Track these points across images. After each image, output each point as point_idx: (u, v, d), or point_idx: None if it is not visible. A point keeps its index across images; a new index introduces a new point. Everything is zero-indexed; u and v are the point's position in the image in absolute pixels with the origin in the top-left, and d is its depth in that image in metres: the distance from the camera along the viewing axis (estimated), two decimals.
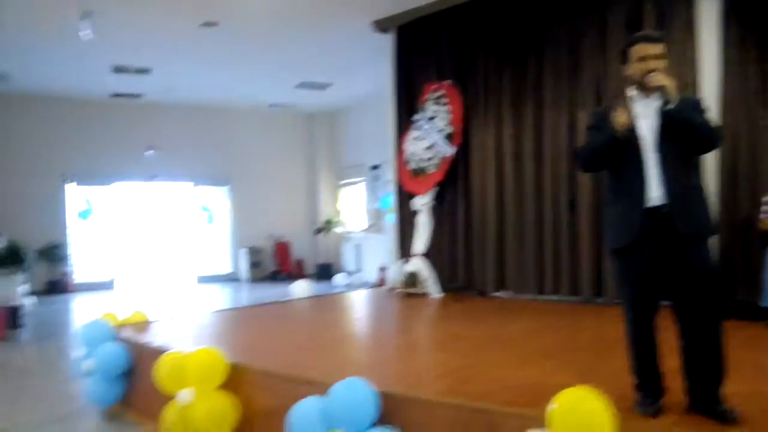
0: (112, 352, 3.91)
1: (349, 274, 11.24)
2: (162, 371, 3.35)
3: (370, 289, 7.50)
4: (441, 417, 2.64)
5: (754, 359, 3.37)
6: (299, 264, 12.39)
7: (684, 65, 5.31)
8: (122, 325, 4.42)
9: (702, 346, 2.39)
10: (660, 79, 2.39)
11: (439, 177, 6.26)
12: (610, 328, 2.67)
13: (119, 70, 8.93)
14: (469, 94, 6.37)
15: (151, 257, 11.65)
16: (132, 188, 11.45)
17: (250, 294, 9.99)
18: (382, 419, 2.70)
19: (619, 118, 2.42)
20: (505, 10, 6.12)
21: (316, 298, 6.66)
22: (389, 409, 2.71)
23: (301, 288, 6.79)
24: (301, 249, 12.53)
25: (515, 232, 6.04)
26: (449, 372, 3.28)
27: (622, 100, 2.53)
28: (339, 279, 10.81)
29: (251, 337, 4.50)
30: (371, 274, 10.73)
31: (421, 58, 6.79)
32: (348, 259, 12.15)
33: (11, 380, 4.83)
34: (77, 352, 4.11)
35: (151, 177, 11.29)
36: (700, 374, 2.41)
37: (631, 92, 2.53)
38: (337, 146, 12.71)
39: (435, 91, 6.42)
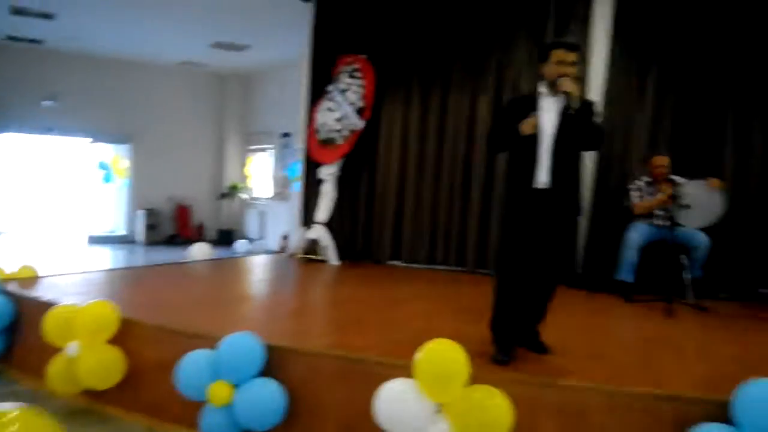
0: None
1: (251, 240, 11.19)
2: (50, 324, 3.32)
3: (270, 255, 7.58)
4: (322, 368, 2.85)
5: (594, 322, 3.90)
6: (199, 228, 12.15)
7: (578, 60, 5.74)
8: (8, 280, 4.28)
9: (546, 295, 3.07)
10: (568, 85, 2.81)
11: (346, 149, 6.41)
12: (486, 296, 3.06)
13: (18, 12, 8.28)
14: (382, 71, 6.53)
15: (41, 213, 11.02)
16: (25, 140, 10.71)
17: (144, 257, 9.71)
18: (269, 371, 2.85)
19: (526, 126, 2.86)
20: None
21: (214, 261, 6.67)
22: (275, 361, 2.88)
23: (199, 251, 6.77)
24: (202, 213, 12.28)
25: (413, 206, 6.39)
26: (336, 329, 3.51)
27: (527, 98, 3.03)
28: (240, 245, 10.72)
29: (143, 295, 4.47)
30: (274, 242, 10.75)
31: (340, 30, 6.85)
32: (251, 225, 12.08)
33: None
34: None
35: (47, 130, 10.63)
36: (536, 315, 3.10)
37: (542, 89, 2.96)
38: (248, 111, 12.47)
39: (349, 64, 6.54)
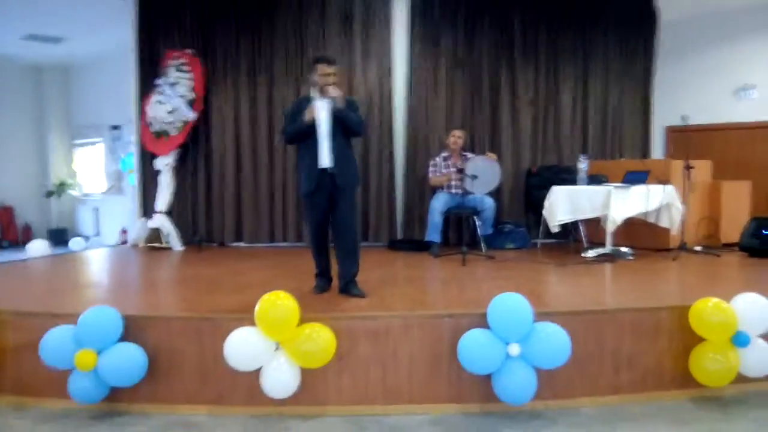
0: None
1: (87, 238, 10.85)
2: None
3: (112, 247, 7.63)
4: (176, 329, 3.32)
5: (405, 273, 4.82)
6: (27, 230, 11.49)
7: (383, 55, 6.67)
8: None
9: (347, 252, 3.92)
10: (332, 91, 3.71)
11: (181, 139, 6.69)
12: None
13: None
14: (210, 63, 6.91)
15: None
16: None
17: None
18: (128, 338, 3.27)
19: (309, 114, 3.73)
20: None
21: (54, 257, 6.63)
22: (133, 329, 3.29)
23: (37, 247, 6.68)
24: (29, 213, 11.56)
25: (250, 188, 6.88)
26: (185, 299, 4.01)
27: (306, 99, 3.87)
28: (75, 243, 10.34)
29: None
30: (111, 238, 10.51)
31: (164, 24, 7.05)
32: (85, 222, 11.67)
33: None
34: None
35: None
36: (344, 268, 3.93)
37: (314, 93, 3.83)
38: (71, 104, 11.85)
39: (177, 58, 6.77)
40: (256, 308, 3.11)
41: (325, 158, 3.78)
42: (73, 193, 11.79)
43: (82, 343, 3.17)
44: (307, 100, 3.86)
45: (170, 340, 3.34)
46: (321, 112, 3.77)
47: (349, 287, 3.92)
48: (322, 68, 3.76)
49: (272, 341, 3.13)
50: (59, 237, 11.25)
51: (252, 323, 3.15)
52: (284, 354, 3.14)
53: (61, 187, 11.61)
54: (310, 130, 3.76)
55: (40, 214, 11.73)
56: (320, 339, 3.12)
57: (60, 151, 11.96)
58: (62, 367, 3.19)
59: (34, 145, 11.84)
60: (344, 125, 3.81)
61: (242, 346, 3.11)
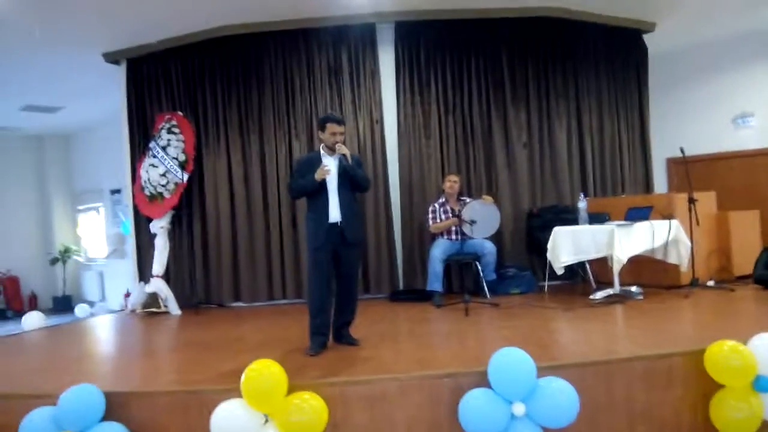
0: None
1: (92, 304, 10.75)
2: None
3: (110, 315, 7.50)
4: (162, 404, 3.16)
5: (405, 327, 4.63)
6: (32, 299, 11.43)
7: (374, 105, 6.66)
8: None
9: (347, 303, 4.08)
10: (342, 149, 3.92)
11: (174, 201, 6.63)
12: None
13: None
14: (200, 124, 6.92)
15: None
16: None
17: None
18: (112, 416, 3.09)
19: (320, 174, 3.87)
20: (229, 49, 6.84)
21: (50, 328, 6.51)
22: (117, 406, 3.12)
23: (32, 320, 6.56)
24: (34, 282, 11.54)
25: (247, 247, 6.77)
26: (174, 370, 3.85)
27: (316, 156, 4.05)
28: (80, 310, 10.24)
29: None
30: (116, 302, 10.42)
31: (153, 89, 7.10)
32: (90, 288, 11.59)
33: None
34: None
35: None
36: (342, 317, 4.07)
37: (323, 150, 4.04)
38: (72, 170, 12.02)
39: (167, 121, 6.78)
40: (242, 379, 2.95)
41: (334, 212, 3.94)
42: (78, 258, 11.76)
43: (63, 425, 3.02)
44: (316, 157, 4.02)
45: (155, 417, 3.18)
46: (331, 169, 3.93)
47: (342, 333, 4.08)
48: (332, 127, 3.96)
49: (260, 414, 2.95)
50: (65, 304, 11.18)
51: (240, 395, 2.97)
52: (274, 427, 2.95)
53: (66, 253, 11.61)
54: (319, 186, 3.92)
55: (45, 282, 11.71)
56: (311, 409, 2.95)
57: (63, 218, 12.02)
58: None
59: (37, 212, 11.93)
60: (352, 181, 3.98)
61: (229, 420, 2.94)
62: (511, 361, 2.97)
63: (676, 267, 5.53)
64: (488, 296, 5.76)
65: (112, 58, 7.20)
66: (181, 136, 6.65)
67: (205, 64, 6.93)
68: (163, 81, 7.05)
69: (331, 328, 4.04)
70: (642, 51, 7.38)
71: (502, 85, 6.83)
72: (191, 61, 6.97)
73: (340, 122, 4.02)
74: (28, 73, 7.88)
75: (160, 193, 6.63)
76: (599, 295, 5.28)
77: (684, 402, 3.18)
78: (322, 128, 4.02)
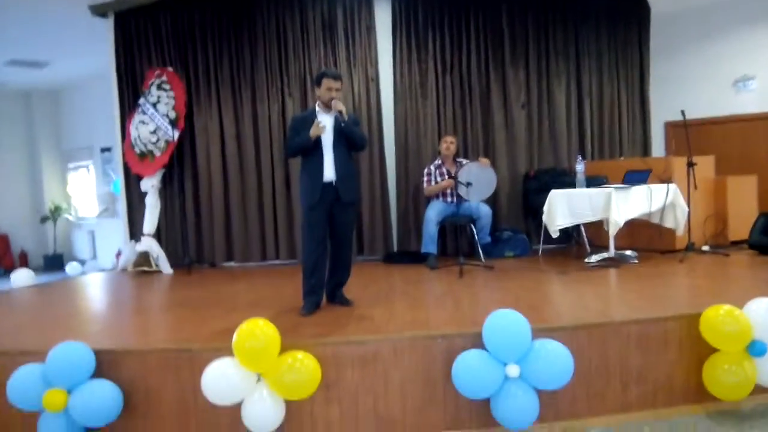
0: None
1: (83, 262, 10.69)
2: None
3: (102, 273, 7.44)
4: (152, 362, 3.13)
5: (399, 288, 4.60)
6: (23, 257, 11.36)
7: (369, 63, 6.49)
8: None
9: (342, 263, 4.01)
10: (339, 105, 3.77)
11: (165, 159, 6.51)
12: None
13: None
14: (191, 81, 6.73)
15: None
16: None
17: None
18: (102, 374, 3.07)
19: (315, 131, 3.74)
20: (221, 3, 6.61)
21: (40, 286, 6.45)
22: (107, 363, 3.11)
23: (21, 277, 6.50)
24: (24, 240, 11.45)
25: (239, 207, 6.68)
26: (166, 328, 3.81)
27: (311, 113, 3.89)
28: (71, 268, 10.18)
29: None
30: (108, 261, 10.37)
31: (143, 44, 6.87)
32: (81, 247, 11.52)
33: None
34: None
35: None
36: (336, 277, 4.02)
37: (319, 107, 3.89)
38: (61, 127, 11.74)
39: (158, 77, 6.62)
40: (234, 338, 2.90)
41: (328, 171, 3.81)
42: (69, 217, 11.65)
43: (51, 382, 2.99)
44: (311, 115, 3.88)
45: (146, 375, 3.16)
46: (326, 126, 3.81)
47: (336, 294, 4.05)
48: (328, 83, 3.81)
49: (253, 372, 2.92)
50: (56, 262, 11.12)
51: (232, 353, 2.93)
52: (266, 386, 2.93)
53: (56, 211, 11.48)
54: (314, 144, 3.79)
55: (36, 241, 11.61)
56: (304, 368, 2.92)
57: (53, 176, 11.84)
58: (31, 409, 3.00)
59: (26, 170, 11.74)
60: (348, 139, 3.85)
61: (221, 379, 2.91)
62: (506, 323, 2.94)
63: (671, 231, 5.50)
64: (483, 259, 5.72)
65: (99, 10, 6.92)
66: (171, 93, 6.49)
67: (195, 19, 6.71)
68: (153, 35, 6.82)
69: (325, 289, 4.01)
70: (645, 10, 7.21)
71: (502, 44, 6.67)
72: (181, 15, 6.73)
73: (336, 77, 3.88)
74: (12, 27, 7.59)
75: (151, 151, 6.50)
76: (594, 258, 5.26)
77: (678, 366, 3.18)
78: (318, 83, 3.87)
